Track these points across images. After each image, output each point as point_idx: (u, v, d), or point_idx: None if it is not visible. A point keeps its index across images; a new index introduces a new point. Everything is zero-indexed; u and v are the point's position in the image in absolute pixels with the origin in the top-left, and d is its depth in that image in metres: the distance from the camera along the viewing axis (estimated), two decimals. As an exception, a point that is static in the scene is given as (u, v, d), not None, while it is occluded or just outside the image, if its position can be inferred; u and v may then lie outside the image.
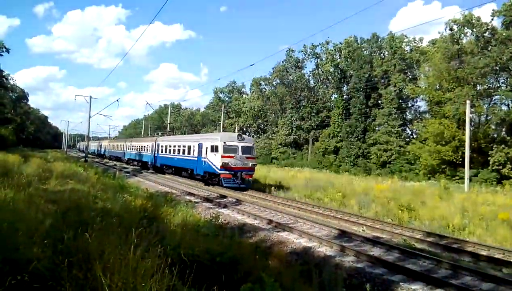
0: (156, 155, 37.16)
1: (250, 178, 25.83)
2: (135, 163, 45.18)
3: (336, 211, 17.78)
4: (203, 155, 25.93)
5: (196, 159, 27.24)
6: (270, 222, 14.23)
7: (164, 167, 35.16)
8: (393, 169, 47.07)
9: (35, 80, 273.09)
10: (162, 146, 35.47)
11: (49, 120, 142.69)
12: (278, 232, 12.89)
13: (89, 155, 49.82)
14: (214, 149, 24.66)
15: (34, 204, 7.61)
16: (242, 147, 24.95)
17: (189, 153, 28.78)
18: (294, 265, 9.67)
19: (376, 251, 10.79)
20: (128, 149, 49.71)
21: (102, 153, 67.54)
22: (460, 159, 36.29)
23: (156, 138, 39.55)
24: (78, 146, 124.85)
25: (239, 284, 4.99)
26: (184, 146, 30.15)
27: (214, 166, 24.59)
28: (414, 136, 51.96)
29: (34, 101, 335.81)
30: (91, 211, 7.23)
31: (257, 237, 12.21)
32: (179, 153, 31.10)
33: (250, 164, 25.27)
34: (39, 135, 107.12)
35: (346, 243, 11.58)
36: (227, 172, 23.97)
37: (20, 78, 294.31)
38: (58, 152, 64.98)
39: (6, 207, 5.71)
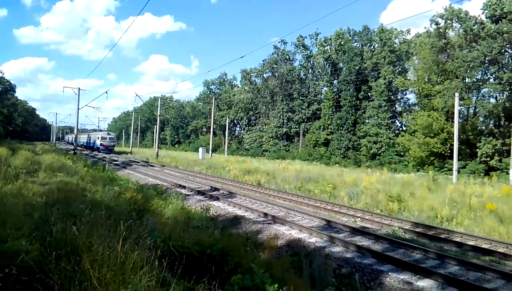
0: (88, 141, 70.00)
1: (112, 149, 62.30)
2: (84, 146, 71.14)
3: (326, 203, 17.89)
4: (97, 141, 62.46)
5: (94, 142, 64.75)
6: (261, 214, 14.28)
7: (88, 146, 68.16)
8: (383, 160, 47.49)
9: (23, 72, 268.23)
10: (89, 137, 71.94)
11: (37, 112, 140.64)
12: (269, 223, 12.94)
13: (78, 147, 50.26)
14: (99, 138, 62.41)
15: (22, 197, 7.53)
16: (109, 138, 63.54)
17: (94, 140, 64.85)
18: (284, 256, 9.75)
19: (365, 242, 10.91)
20: (82, 139, 75.53)
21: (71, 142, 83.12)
22: (449, 151, 36.74)
23: (89, 133, 77.11)
24: (66, 138, 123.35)
25: (229, 276, 5.01)
26: (93, 137, 67.27)
27: (99, 144, 61.24)
28: (404, 128, 52.42)
29: (22, 93, 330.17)
30: (80, 204, 7.16)
31: (248, 229, 12.26)
32: (91, 140, 69.08)
33: (112, 144, 63.74)
34: (27, 127, 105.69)
35: (336, 233, 11.68)
36: (103, 147, 60.05)
37: (8, 70, 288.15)
38: (46, 144, 64.22)
39: (-7, 200, 5.63)
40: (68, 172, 15.26)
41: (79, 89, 46.30)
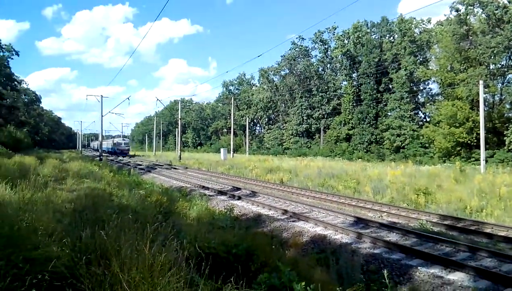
0: (107, 147, 74.00)
1: (127, 153, 69.33)
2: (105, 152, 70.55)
3: (350, 198, 17.71)
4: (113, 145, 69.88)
5: (111, 146, 71.66)
6: (285, 212, 14.25)
7: (107, 151, 70.53)
8: (407, 153, 46.65)
9: (47, 82, 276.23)
10: (107, 143, 76.70)
11: (62, 121, 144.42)
12: (293, 221, 12.91)
13: (103, 154, 51.89)
14: (116, 143, 71.95)
15: (51, 204, 7.73)
16: (124, 143, 72.59)
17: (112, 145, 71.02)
18: (310, 254, 9.71)
19: (392, 236, 10.74)
20: (104, 145, 73.46)
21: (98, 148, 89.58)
22: (475, 140, 35.78)
23: (107, 140, 79.95)
24: (92, 145, 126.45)
25: (256, 275, 5.02)
26: (111, 143, 75.42)
27: (116, 149, 68.72)
28: (427, 119, 51.26)
29: (47, 103, 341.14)
30: (107, 208, 7.30)
31: (273, 228, 12.25)
32: (108, 145, 75.36)
33: (127, 148, 72.05)
34: (54, 136, 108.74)
35: (362, 229, 11.55)
36: (119, 151, 67.73)
37: (32, 81, 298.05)
38: (73, 152, 65.90)
39: (24, 208, 5.81)
40: (95, 178, 15.59)
41: (101, 96, 47.36)
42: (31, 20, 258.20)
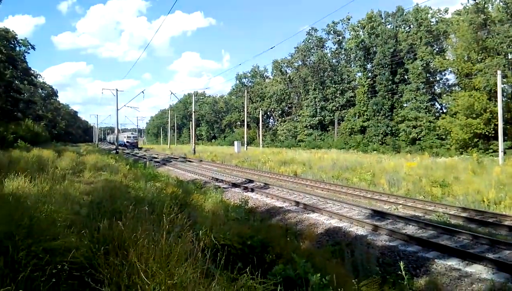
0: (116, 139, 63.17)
1: (136, 145, 78.56)
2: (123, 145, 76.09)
3: (366, 191, 17.59)
4: (119, 138, 59.77)
5: (122, 140, 70.59)
6: (298, 204, 14.24)
7: (120, 144, 65.71)
8: (424, 145, 46.03)
9: (63, 77, 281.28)
10: (118, 137, 66.11)
11: (79, 115, 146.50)
12: (307, 214, 12.90)
13: (119, 147, 53.23)
14: (126, 137, 79.89)
15: (69, 196, 7.87)
16: (133, 137, 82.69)
17: (123, 138, 69.62)
18: (325, 246, 9.69)
19: (409, 229, 10.64)
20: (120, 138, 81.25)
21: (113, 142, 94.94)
22: (493, 132, 35.06)
23: (118, 134, 74.16)
24: (108, 139, 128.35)
25: (271, 266, 5.03)
26: (122, 137, 76.12)
27: (125, 142, 76.34)
28: (444, 110, 50.32)
29: (64, 97, 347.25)
30: (124, 200, 7.40)
31: (287, 220, 12.26)
32: (120, 138, 67.75)
33: (136, 141, 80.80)
34: (70, 130, 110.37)
35: (378, 221, 11.47)
36: (129, 143, 75.89)
37: (49, 76, 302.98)
38: (89, 145, 66.90)
39: (43, 200, 5.93)
40: (112, 170, 15.81)
41: (116, 90, 47.90)
42: (47, 15, 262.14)
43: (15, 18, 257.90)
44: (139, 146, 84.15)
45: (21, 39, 50.37)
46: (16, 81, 49.37)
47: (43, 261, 3.35)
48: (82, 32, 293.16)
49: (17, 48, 49.53)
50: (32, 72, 59.94)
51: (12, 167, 11.09)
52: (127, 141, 78.01)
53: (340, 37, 67.20)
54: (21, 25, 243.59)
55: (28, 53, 52.94)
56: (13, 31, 46.49)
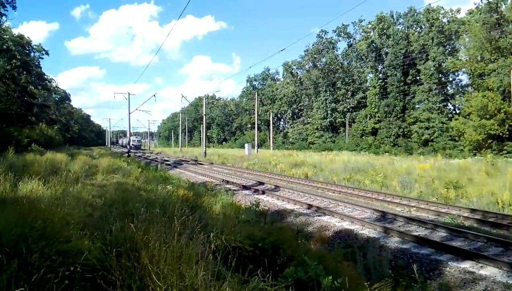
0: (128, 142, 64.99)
1: (139, 147, 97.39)
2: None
3: (377, 193, 17.41)
4: (130, 142, 59.25)
5: (128, 143, 59.18)
6: (310, 206, 14.17)
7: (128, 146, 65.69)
8: (436, 146, 45.49)
9: (77, 81, 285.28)
10: (127, 139, 72.95)
11: (91, 119, 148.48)
12: (319, 216, 12.82)
13: (131, 150, 54.49)
14: (131, 140, 64.66)
15: (82, 199, 7.96)
16: (137, 140, 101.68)
17: (129, 141, 59.37)
18: (337, 248, 9.62)
19: (421, 231, 10.50)
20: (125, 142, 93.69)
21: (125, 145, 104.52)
22: (507, 132, 34.54)
23: (124, 138, 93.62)
24: (120, 142, 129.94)
25: (282, 268, 5.01)
26: (127, 139, 66.62)
27: (131, 144, 62.21)
28: (457, 111, 49.68)
29: (77, 101, 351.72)
30: (136, 203, 7.47)
31: (298, 222, 12.21)
32: (126, 142, 76.11)
33: (139, 144, 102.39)
34: (83, 133, 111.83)
35: (390, 224, 11.35)
36: (134, 146, 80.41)
37: (63, 80, 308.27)
38: (102, 149, 67.69)
39: (56, 202, 6.00)
40: (124, 173, 15.96)
41: (128, 94, 48.38)
42: (60, 20, 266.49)
43: (30, 24, 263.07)
44: (149, 149, 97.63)
45: (36, 45, 51.23)
46: (31, 86, 50.20)
47: (56, 263, 3.39)
48: (95, 37, 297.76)
49: (32, 54, 50.37)
50: (46, 77, 60.91)
51: (26, 170, 11.25)
52: (133, 144, 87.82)
53: (351, 39, 66.91)
54: (35, 31, 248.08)
55: (42, 58, 53.88)
56: (28, 37, 47.29)
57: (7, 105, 39.34)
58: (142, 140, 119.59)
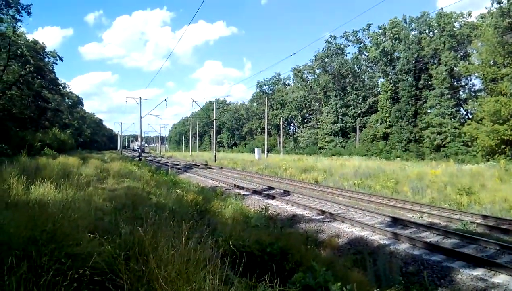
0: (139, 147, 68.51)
1: (143, 150, 79.71)
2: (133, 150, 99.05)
3: (388, 199, 17.25)
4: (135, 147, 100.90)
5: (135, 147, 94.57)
6: (320, 212, 14.10)
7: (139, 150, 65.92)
8: (448, 152, 44.88)
9: (90, 86, 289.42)
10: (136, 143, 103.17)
11: (104, 123, 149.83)
12: (329, 221, 12.75)
13: (133, 150, 55.28)
14: (136, 145, 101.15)
15: (93, 202, 8.05)
16: (142, 144, 72.10)
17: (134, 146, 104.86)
18: (346, 254, 9.54)
19: (433, 238, 10.36)
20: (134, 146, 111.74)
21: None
22: (521, 138, 33.93)
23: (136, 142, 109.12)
24: (132, 146, 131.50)
25: (290, 274, 4.98)
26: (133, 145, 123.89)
27: (137, 148, 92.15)
28: (470, 116, 48.98)
29: (90, 106, 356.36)
30: (146, 207, 7.50)
31: (308, 227, 12.15)
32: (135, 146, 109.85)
33: (143, 148, 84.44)
34: (96, 137, 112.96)
35: (401, 230, 11.23)
36: (137, 149, 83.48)
37: (76, 85, 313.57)
38: (113, 153, 68.29)
39: (67, 206, 6.07)
40: (135, 177, 16.09)
41: (140, 99, 48.75)
42: (74, 26, 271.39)
43: (45, 30, 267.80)
44: (160, 153, 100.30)
45: (50, 51, 52.09)
46: (44, 91, 50.95)
47: (65, 266, 3.42)
48: (108, 43, 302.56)
49: (46, 59, 51.18)
50: (60, 82, 61.81)
51: (38, 173, 11.41)
52: (137, 148, 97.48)
53: (361, 45, 66.72)
54: (50, 36, 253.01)
55: (56, 64, 54.70)
56: (43, 43, 48.12)
57: (21, 109, 39.94)
58: (145, 144, 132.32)
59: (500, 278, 7.35)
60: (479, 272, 7.71)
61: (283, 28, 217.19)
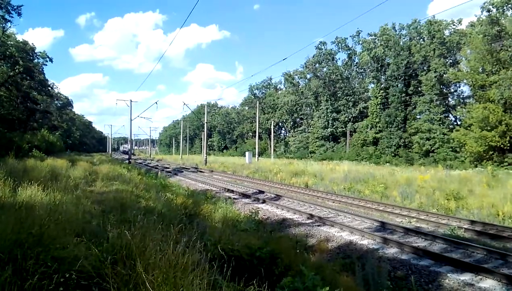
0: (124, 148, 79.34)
1: (132, 152, 70.88)
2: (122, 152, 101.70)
3: (378, 203, 17.36)
4: (124, 148, 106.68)
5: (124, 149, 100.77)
6: (310, 216, 14.12)
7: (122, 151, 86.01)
8: (437, 157, 45.37)
9: (81, 88, 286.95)
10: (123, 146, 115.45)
11: (93, 125, 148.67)
12: (318, 226, 12.77)
13: (122, 153, 55.26)
14: (125, 147, 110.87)
15: (81, 205, 7.95)
16: (132, 147, 72.60)
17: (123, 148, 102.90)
18: (336, 259, 9.56)
19: (421, 242, 10.45)
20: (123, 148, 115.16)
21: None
22: (508, 144, 34.50)
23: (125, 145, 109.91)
24: (121, 149, 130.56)
25: (279, 278, 4.98)
26: (122, 147, 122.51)
27: (125, 150, 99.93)
28: (458, 123, 49.60)
29: (79, 108, 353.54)
30: (134, 210, 7.44)
31: (297, 232, 12.15)
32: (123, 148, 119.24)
33: (131, 150, 62.23)
34: (85, 140, 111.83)
35: (390, 235, 11.29)
36: (126, 152, 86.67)
37: (66, 87, 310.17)
38: (103, 155, 67.65)
39: (55, 209, 6.00)
40: (124, 180, 15.94)
41: (131, 101, 48.48)
42: (66, 28, 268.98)
43: (35, 31, 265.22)
44: (150, 156, 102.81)
45: (40, 52, 51.40)
46: (33, 92, 50.34)
47: (51, 269, 3.38)
48: (100, 45, 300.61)
49: (35, 60, 50.57)
50: (48, 83, 61.07)
51: (26, 175, 11.25)
52: (125, 150, 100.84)
53: (351, 51, 67.41)
54: (41, 37, 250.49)
55: (46, 65, 54.04)
56: (32, 43, 47.53)
57: (9, 110, 39.48)
58: (135, 147, 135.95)
59: (487, 283, 7.43)
60: (466, 276, 7.78)
61: (275, 33, 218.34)
